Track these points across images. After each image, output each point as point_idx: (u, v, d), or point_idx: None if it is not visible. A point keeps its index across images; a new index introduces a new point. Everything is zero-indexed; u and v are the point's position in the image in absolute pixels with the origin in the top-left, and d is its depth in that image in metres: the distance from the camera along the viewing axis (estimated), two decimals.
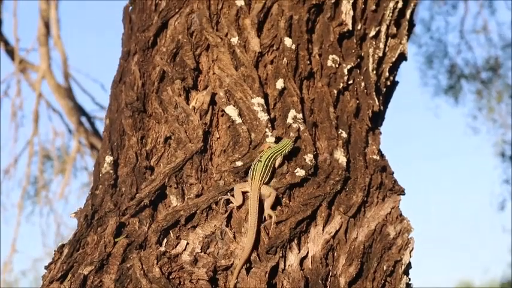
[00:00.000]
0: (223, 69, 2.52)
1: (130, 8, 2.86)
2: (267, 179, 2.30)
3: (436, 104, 15.23)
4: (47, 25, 9.47)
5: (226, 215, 2.25)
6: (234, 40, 2.56)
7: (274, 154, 2.31)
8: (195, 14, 2.63)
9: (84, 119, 10.38)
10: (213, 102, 2.47)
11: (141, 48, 2.64)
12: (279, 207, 2.29)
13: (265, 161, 2.29)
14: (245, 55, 2.54)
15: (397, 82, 3.02)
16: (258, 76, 2.50)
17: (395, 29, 2.90)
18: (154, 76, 2.57)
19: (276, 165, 2.34)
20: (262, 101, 2.45)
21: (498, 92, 12.82)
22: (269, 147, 2.35)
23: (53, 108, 10.51)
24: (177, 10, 2.67)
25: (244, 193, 2.27)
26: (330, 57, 2.65)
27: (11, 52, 9.73)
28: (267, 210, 2.26)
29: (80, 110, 10.24)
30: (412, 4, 2.99)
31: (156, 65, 2.58)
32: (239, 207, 2.27)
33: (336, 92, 2.59)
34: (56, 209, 10.93)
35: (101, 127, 10.41)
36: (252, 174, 2.27)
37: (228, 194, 2.28)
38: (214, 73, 2.54)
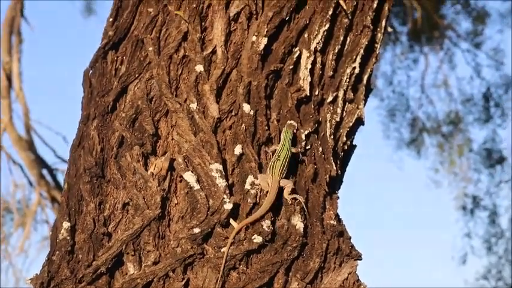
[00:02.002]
0: (182, 135, 2.55)
1: (91, 71, 2.87)
2: (285, 173, 2.51)
3: (399, 157, 15.38)
4: (9, 78, 9.46)
5: (183, 282, 2.25)
6: (193, 106, 2.59)
7: (288, 151, 2.55)
8: (154, 79, 2.65)
9: (45, 172, 10.31)
10: (171, 168, 2.49)
11: (101, 113, 2.66)
12: (235, 274, 2.31)
13: (283, 160, 2.51)
14: (204, 121, 2.56)
15: (355, 146, 3.06)
16: (216, 142, 2.53)
17: (352, 94, 2.94)
18: (113, 141, 2.58)
19: (294, 151, 2.59)
20: (220, 167, 2.47)
21: (459, 146, 13.00)
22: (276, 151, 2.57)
23: (14, 160, 10.43)
24: (136, 75, 2.69)
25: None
26: (288, 122, 2.69)
27: None
28: (290, 196, 2.48)
29: (41, 163, 10.18)
30: (369, 70, 3.05)
31: (115, 130, 2.60)
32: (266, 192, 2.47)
33: None
34: (15, 263, 10.76)
35: (62, 180, 10.32)
36: (272, 170, 2.49)
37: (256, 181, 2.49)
38: (173, 139, 2.56)
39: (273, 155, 2.56)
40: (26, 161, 10.08)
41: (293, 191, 2.50)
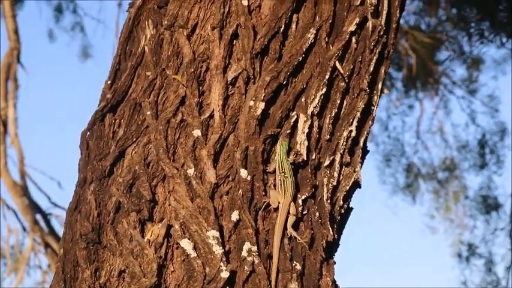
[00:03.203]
0: (179, 200, 2.54)
1: (88, 133, 2.87)
2: (295, 191, 2.61)
3: (394, 202, 15.34)
4: (4, 123, 9.47)
5: None
6: (191, 171, 2.59)
7: (288, 163, 2.64)
8: (152, 144, 2.66)
9: (39, 217, 10.29)
10: (168, 234, 2.48)
11: (98, 177, 2.65)
12: None
13: (290, 176, 2.61)
14: (201, 186, 2.56)
15: (352, 208, 3.05)
16: (213, 208, 2.52)
17: (349, 157, 2.94)
18: (110, 207, 2.57)
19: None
20: (217, 233, 2.46)
21: (455, 193, 13.00)
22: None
23: (8, 205, 10.42)
24: (134, 139, 2.70)
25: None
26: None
27: None
28: (290, 229, 2.55)
29: (35, 208, 10.16)
30: (366, 132, 3.05)
31: (112, 195, 2.59)
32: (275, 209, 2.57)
33: None
34: None
35: (56, 225, 10.32)
36: (284, 189, 2.57)
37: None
38: (170, 204, 2.56)
39: (275, 172, 2.65)
40: (19, 206, 10.07)
41: (295, 225, 2.59)
